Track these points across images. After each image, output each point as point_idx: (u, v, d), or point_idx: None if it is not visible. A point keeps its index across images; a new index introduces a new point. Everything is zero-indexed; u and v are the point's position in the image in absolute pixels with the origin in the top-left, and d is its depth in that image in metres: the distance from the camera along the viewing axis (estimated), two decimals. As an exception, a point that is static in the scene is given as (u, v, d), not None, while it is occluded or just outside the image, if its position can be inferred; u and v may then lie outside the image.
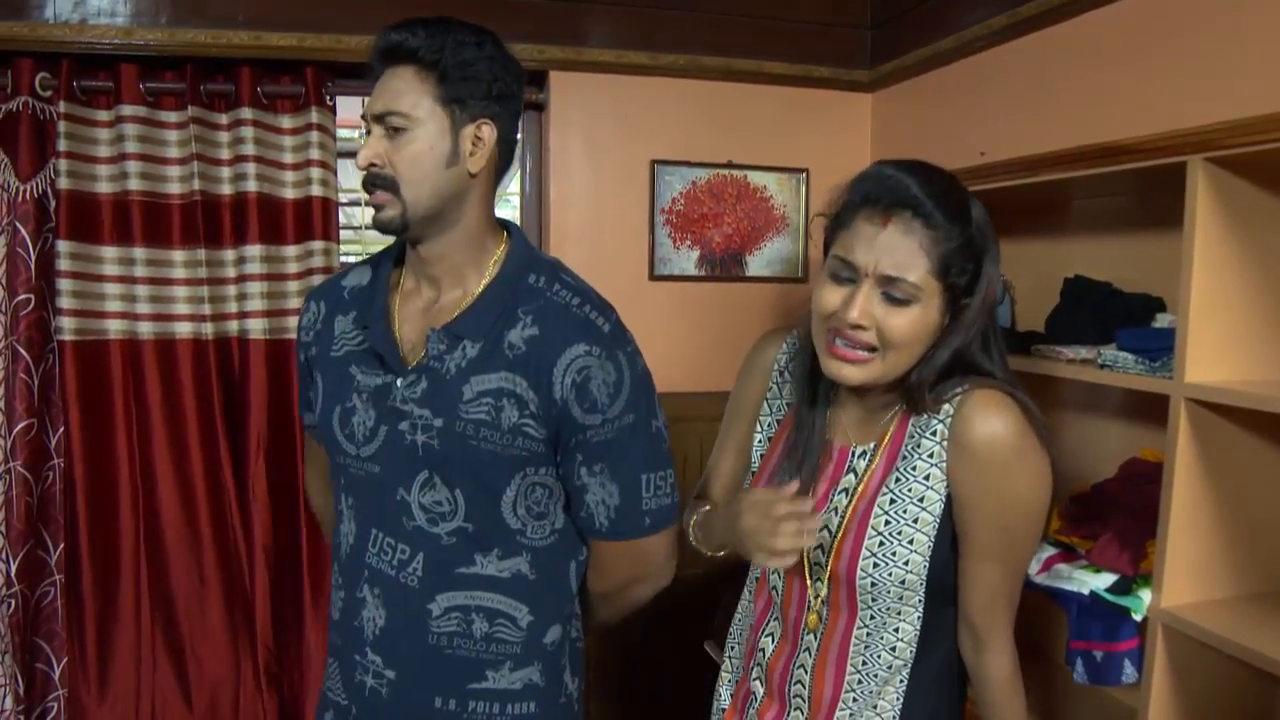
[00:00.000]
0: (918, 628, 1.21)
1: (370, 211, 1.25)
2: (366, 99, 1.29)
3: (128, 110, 2.26)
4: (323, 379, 1.32)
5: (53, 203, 2.26)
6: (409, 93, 1.17)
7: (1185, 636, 1.36)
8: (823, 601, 1.24)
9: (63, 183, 2.23)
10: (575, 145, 2.57)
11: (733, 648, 1.44)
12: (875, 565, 1.18)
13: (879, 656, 1.22)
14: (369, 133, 1.20)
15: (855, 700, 1.23)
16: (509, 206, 4.53)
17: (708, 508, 1.40)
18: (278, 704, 2.49)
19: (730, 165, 2.64)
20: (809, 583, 1.24)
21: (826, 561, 1.22)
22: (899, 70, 2.59)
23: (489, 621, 1.25)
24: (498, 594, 1.25)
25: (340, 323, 1.31)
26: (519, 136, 2.74)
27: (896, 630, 1.21)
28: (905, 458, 1.20)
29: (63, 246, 2.25)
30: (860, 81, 2.72)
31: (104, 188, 2.29)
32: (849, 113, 2.75)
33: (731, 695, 1.41)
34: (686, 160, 2.61)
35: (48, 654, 2.36)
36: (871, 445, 1.23)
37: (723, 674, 1.45)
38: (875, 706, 1.23)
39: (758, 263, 2.70)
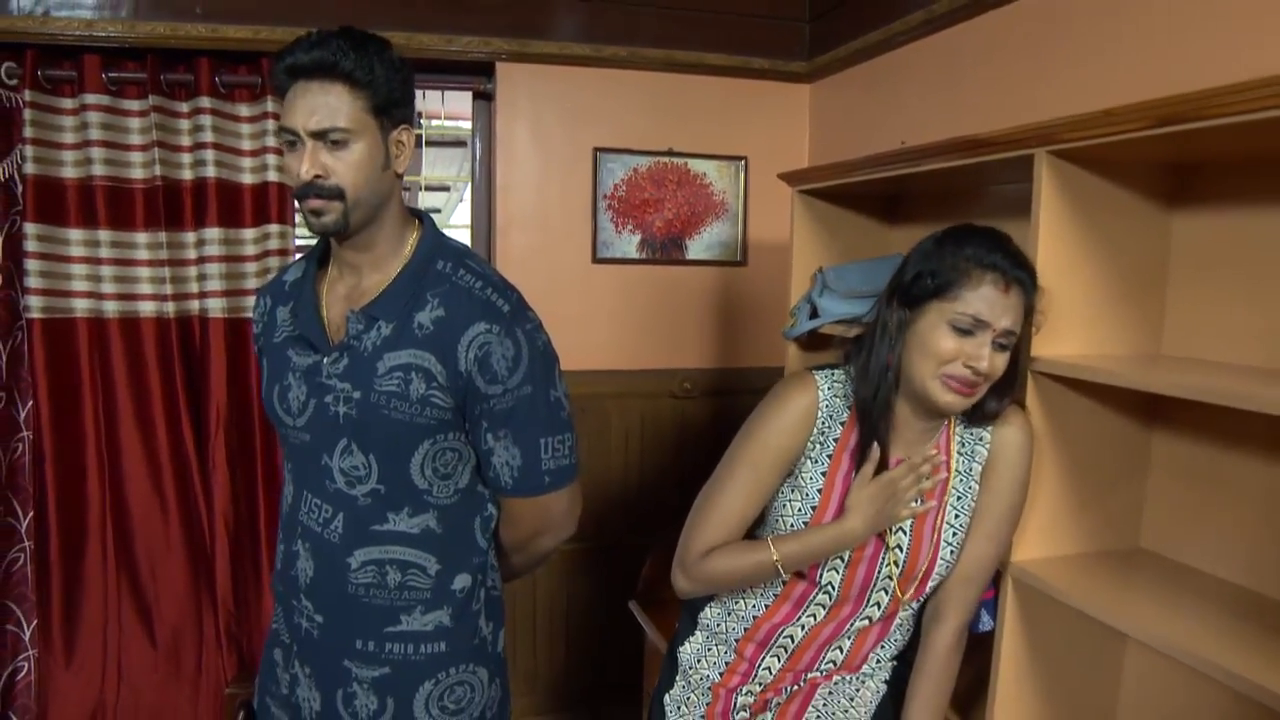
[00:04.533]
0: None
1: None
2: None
3: (91, 99, 2.38)
4: (267, 362, 1.49)
5: (19, 187, 2.39)
6: (347, 109, 1.29)
7: (1034, 589, 1.48)
8: (889, 595, 1.42)
9: (29, 168, 2.36)
10: (521, 134, 2.68)
11: (731, 630, 1.52)
12: (952, 553, 1.41)
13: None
14: (293, 144, 1.30)
15: (878, 653, 1.50)
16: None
17: (773, 537, 1.39)
18: (237, 662, 2.63)
19: (671, 153, 2.75)
20: (880, 582, 1.40)
21: (904, 562, 1.40)
22: (834, 62, 2.70)
23: (401, 572, 1.41)
24: (408, 547, 1.40)
25: (281, 312, 1.47)
26: (468, 124, 2.86)
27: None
28: (964, 458, 1.42)
29: (30, 229, 2.38)
30: (798, 73, 2.83)
31: (69, 173, 2.42)
32: (787, 103, 2.86)
33: (722, 673, 1.53)
34: (628, 148, 2.72)
35: (18, 616, 2.50)
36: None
37: (694, 646, 1.56)
38: (894, 657, 1.53)
39: (698, 246, 2.81)
